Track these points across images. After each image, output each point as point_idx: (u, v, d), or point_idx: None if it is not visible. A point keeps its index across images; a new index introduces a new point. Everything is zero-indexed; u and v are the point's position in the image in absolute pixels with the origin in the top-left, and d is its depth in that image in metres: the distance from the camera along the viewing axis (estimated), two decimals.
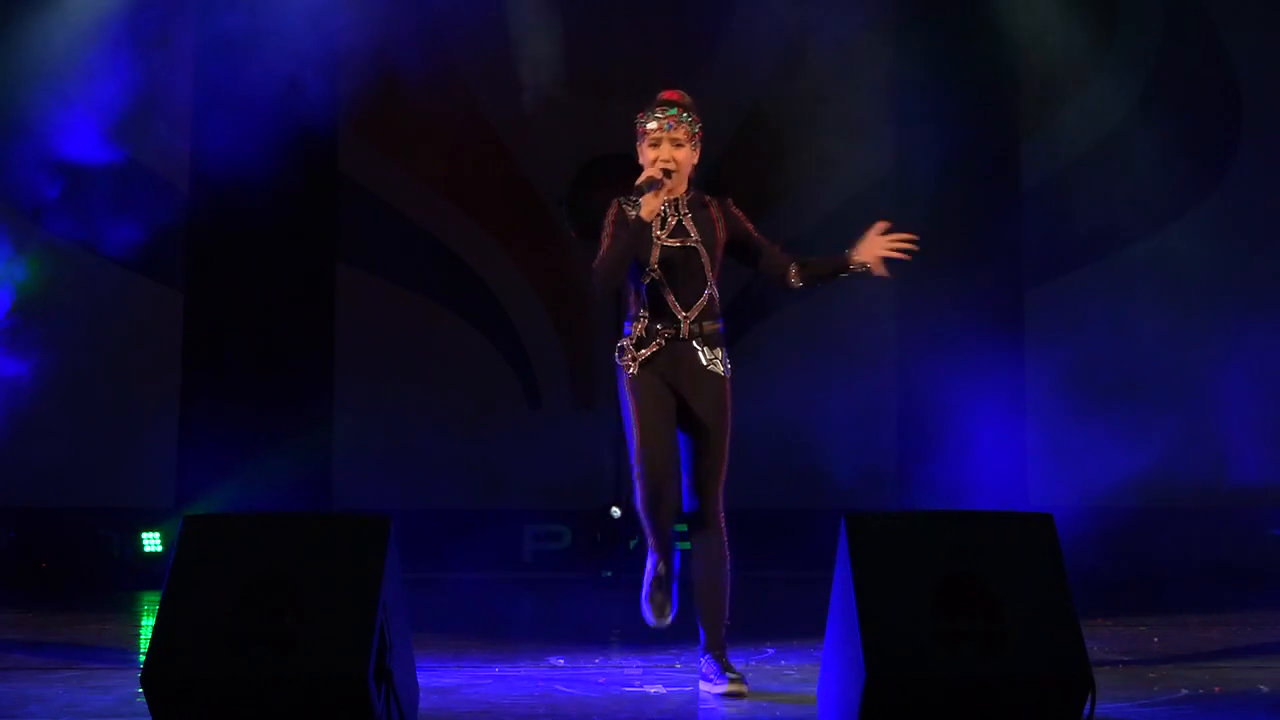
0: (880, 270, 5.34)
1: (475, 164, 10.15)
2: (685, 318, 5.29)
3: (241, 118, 9.15)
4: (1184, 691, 5.23)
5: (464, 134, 10.10)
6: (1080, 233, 10.07)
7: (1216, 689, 5.29)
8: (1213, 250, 9.91)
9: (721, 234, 5.38)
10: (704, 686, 5.32)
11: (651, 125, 5.35)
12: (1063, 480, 9.52)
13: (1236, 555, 9.59)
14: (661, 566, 5.29)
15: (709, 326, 5.33)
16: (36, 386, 8.79)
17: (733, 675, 5.21)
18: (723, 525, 5.33)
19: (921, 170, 9.72)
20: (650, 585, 5.32)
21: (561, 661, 6.04)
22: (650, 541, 5.33)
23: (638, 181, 5.29)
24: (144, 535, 9.65)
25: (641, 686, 5.45)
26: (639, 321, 5.33)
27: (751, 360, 9.55)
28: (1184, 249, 9.94)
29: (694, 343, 5.30)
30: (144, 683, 4.07)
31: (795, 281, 5.41)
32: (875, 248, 5.35)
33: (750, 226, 5.45)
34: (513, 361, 10.11)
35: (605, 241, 5.32)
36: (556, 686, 5.45)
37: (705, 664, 5.32)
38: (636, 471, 5.25)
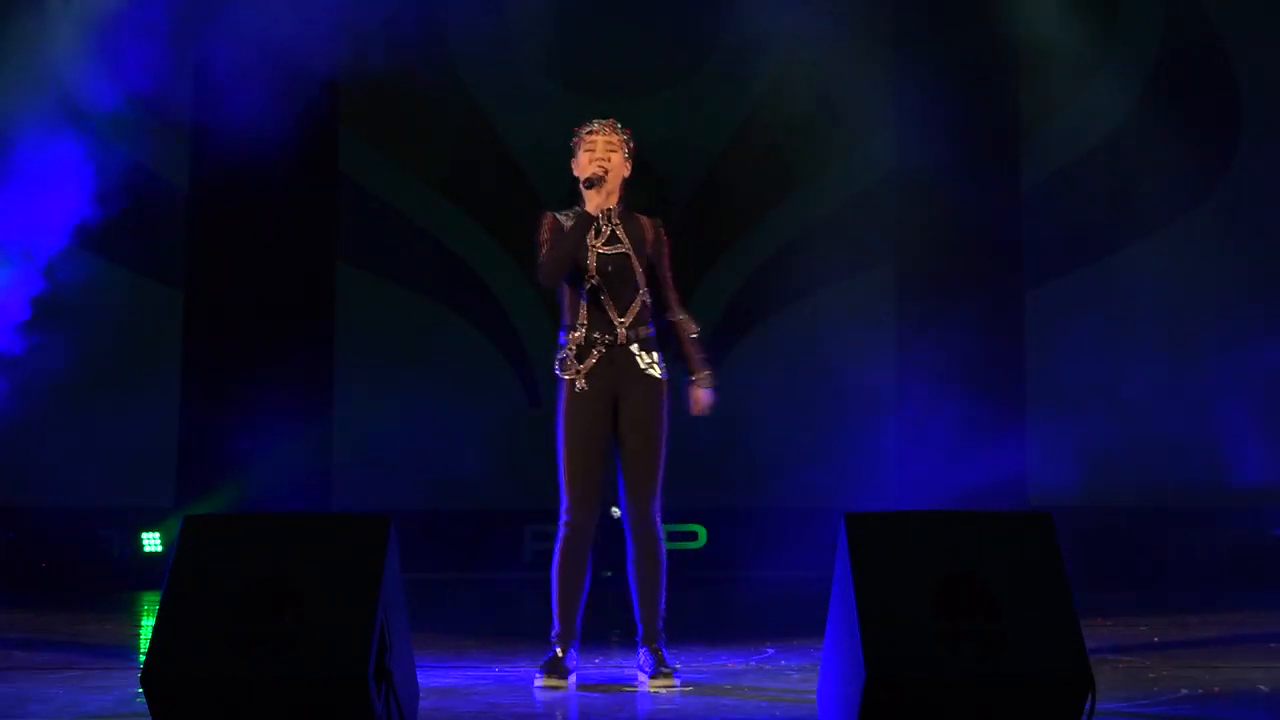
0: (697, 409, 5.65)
1: (475, 164, 10.15)
2: (622, 323, 5.51)
3: (241, 118, 9.14)
4: (1184, 691, 5.23)
5: (464, 134, 10.11)
6: (1080, 233, 10.07)
7: (1216, 689, 5.29)
8: (1213, 249, 9.92)
9: (648, 248, 5.58)
10: (641, 677, 5.46)
11: (586, 132, 5.61)
12: (1062, 480, 9.51)
13: (1237, 555, 9.59)
14: (560, 651, 5.43)
15: (643, 332, 5.55)
16: (36, 386, 8.78)
17: (664, 670, 5.39)
18: (659, 524, 5.58)
19: (921, 170, 9.71)
20: (544, 672, 5.41)
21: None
22: (556, 612, 5.47)
23: (582, 176, 5.53)
24: (144, 535, 9.65)
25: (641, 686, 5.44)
26: (577, 330, 5.53)
27: (751, 361, 9.64)
28: (1184, 248, 9.95)
29: (632, 348, 5.51)
30: (144, 683, 4.07)
31: (672, 318, 5.62)
32: (697, 402, 5.65)
33: (667, 261, 5.65)
34: (513, 361, 10.10)
35: (544, 249, 5.53)
36: None
37: (642, 656, 5.50)
38: (564, 505, 5.58)
